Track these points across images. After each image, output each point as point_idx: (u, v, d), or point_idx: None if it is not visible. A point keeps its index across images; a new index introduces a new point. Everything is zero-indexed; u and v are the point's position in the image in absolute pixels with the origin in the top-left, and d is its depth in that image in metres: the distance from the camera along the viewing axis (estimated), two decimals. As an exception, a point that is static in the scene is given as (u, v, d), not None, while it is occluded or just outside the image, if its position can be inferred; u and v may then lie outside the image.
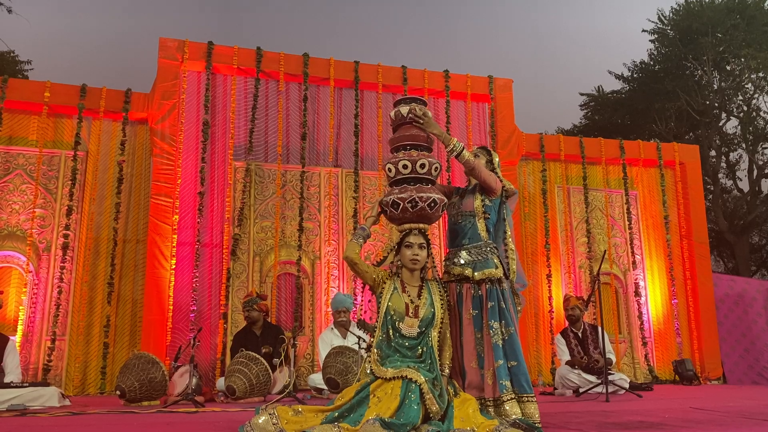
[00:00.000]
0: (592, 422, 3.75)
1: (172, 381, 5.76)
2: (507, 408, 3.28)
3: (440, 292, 3.49)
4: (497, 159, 3.91)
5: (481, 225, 3.64)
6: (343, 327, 6.70)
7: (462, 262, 3.61)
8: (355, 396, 3.13)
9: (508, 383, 3.34)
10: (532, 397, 3.37)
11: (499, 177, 3.78)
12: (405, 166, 3.54)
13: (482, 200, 3.69)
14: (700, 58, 16.08)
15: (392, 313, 3.35)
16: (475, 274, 3.54)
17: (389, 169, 3.60)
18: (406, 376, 3.06)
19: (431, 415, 3.04)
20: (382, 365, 3.22)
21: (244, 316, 6.78)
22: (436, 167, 3.62)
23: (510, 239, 3.72)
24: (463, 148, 3.65)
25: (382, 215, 3.69)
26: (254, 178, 7.86)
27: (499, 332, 3.44)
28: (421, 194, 3.48)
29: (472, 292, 3.55)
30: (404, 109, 3.66)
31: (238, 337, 6.73)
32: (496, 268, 3.55)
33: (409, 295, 3.41)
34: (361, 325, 5.80)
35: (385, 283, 3.46)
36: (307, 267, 7.81)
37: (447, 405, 3.12)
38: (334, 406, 3.15)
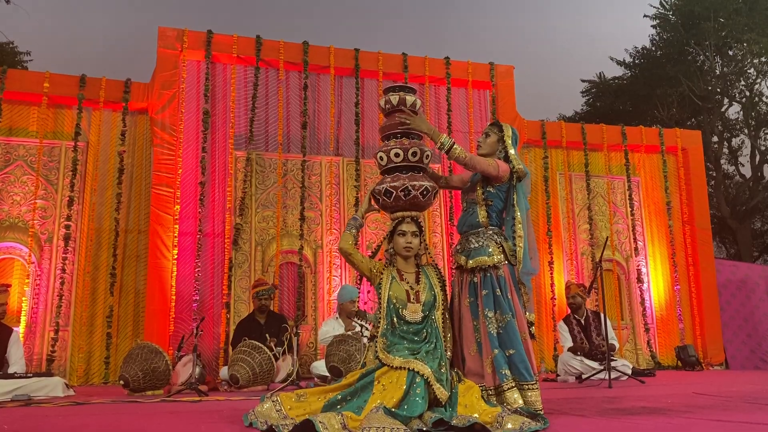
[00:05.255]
0: (595, 408, 3.76)
1: (176, 370, 5.78)
2: (508, 396, 3.26)
3: (437, 275, 3.53)
4: (510, 132, 3.71)
5: (482, 212, 3.58)
6: (349, 318, 6.71)
7: (458, 249, 3.63)
8: (359, 380, 3.13)
9: (507, 371, 3.31)
10: (533, 384, 3.33)
11: (509, 156, 3.63)
12: (397, 155, 3.53)
13: (484, 187, 3.60)
14: (703, 44, 15.97)
15: (394, 301, 3.36)
16: (469, 262, 3.52)
17: (381, 157, 3.59)
18: (413, 368, 3.06)
19: (440, 400, 3.04)
20: (389, 353, 3.22)
21: (257, 303, 6.72)
22: (428, 155, 3.61)
23: (519, 224, 3.56)
24: (453, 144, 3.50)
25: (375, 204, 3.68)
26: (255, 167, 7.84)
27: (494, 321, 3.40)
28: (414, 182, 3.49)
29: (469, 279, 3.53)
30: (394, 98, 3.63)
31: (242, 326, 6.73)
32: (490, 255, 3.47)
33: (407, 282, 3.43)
34: (361, 316, 5.82)
35: (382, 273, 3.47)
36: (309, 256, 7.81)
37: (451, 391, 3.13)
38: (338, 385, 3.17)
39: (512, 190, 3.61)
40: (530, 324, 3.53)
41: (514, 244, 3.54)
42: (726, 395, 4.44)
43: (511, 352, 3.35)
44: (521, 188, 3.64)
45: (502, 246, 3.53)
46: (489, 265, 3.46)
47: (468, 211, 3.67)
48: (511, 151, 3.65)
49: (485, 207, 3.59)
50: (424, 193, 3.51)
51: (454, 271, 3.69)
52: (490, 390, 3.33)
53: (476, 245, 3.54)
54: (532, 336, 3.52)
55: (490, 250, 3.49)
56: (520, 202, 3.61)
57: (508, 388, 3.28)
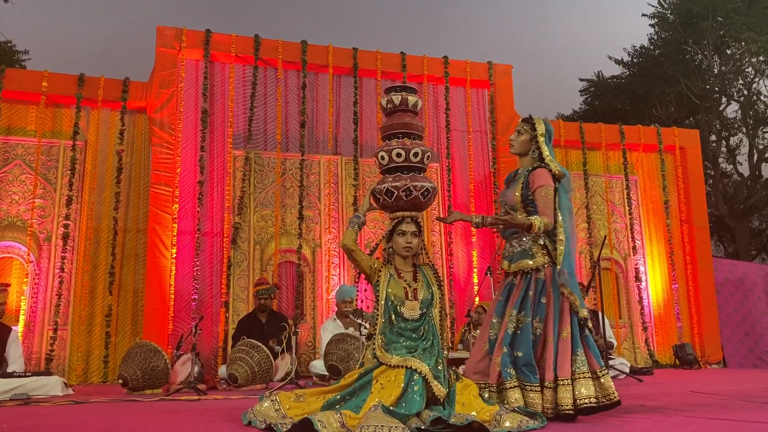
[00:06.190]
0: (593, 406, 3.76)
1: (175, 369, 5.79)
2: (510, 395, 3.23)
3: (434, 274, 3.55)
4: (543, 129, 3.61)
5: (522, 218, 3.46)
6: (346, 317, 6.71)
7: (504, 253, 3.58)
8: (358, 380, 3.15)
9: (512, 371, 3.28)
10: (536, 387, 3.26)
11: (543, 156, 3.53)
12: (399, 155, 3.54)
13: (522, 193, 3.50)
14: (701, 42, 15.98)
15: (392, 298, 3.37)
16: (511, 266, 3.49)
17: (382, 157, 3.60)
18: (411, 366, 3.08)
19: (439, 397, 3.06)
20: (387, 351, 3.23)
21: (257, 302, 6.77)
22: (428, 156, 3.63)
23: (560, 227, 3.42)
24: (533, 220, 3.35)
25: (375, 203, 3.69)
26: (254, 166, 7.84)
27: (515, 320, 3.35)
28: (416, 183, 3.50)
29: (508, 281, 3.50)
30: (397, 98, 3.65)
31: (243, 323, 6.75)
32: (533, 258, 3.41)
33: (405, 280, 3.44)
34: (358, 314, 5.82)
35: (380, 271, 3.48)
36: (307, 255, 7.81)
37: (449, 389, 3.15)
38: (336, 386, 3.18)
39: (554, 193, 3.49)
40: (584, 320, 3.39)
41: (555, 247, 3.44)
42: (724, 394, 4.45)
43: (519, 354, 3.29)
44: (562, 189, 3.53)
45: (546, 248, 3.44)
46: (531, 268, 3.41)
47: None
48: (546, 152, 3.56)
49: (525, 213, 3.50)
50: (425, 193, 3.53)
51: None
52: (492, 387, 3.31)
53: (519, 249, 3.48)
54: (590, 330, 3.42)
55: (533, 251, 3.43)
56: (561, 203, 3.49)
57: (510, 387, 3.25)
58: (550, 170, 3.50)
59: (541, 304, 3.36)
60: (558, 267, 3.40)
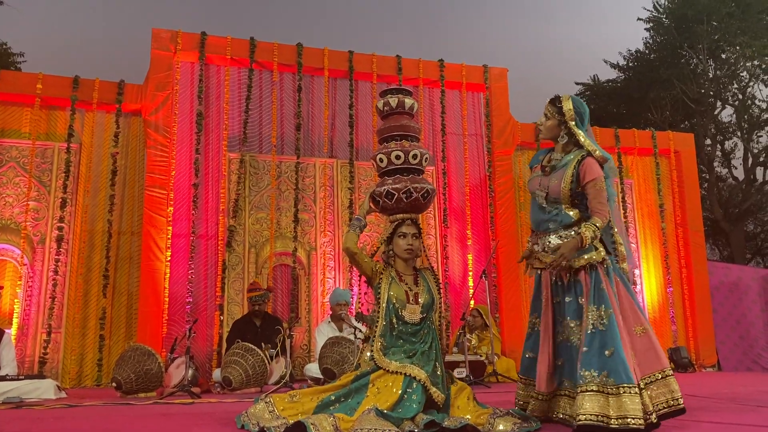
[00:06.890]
0: (588, 410, 3.75)
1: (169, 372, 5.77)
2: (586, 399, 2.89)
3: (434, 278, 3.55)
4: (573, 112, 3.28)
5: (572, 211, 3.22)
6: (340, 320, 6.70)
7: (544, 249, 3.22)
8: (354, 381, 3.14)
9: (591, 372, 2.93)
10: (632, 387, 2.86)
11: (579, 142, 3.25)
12: (398, 157, 3.55)
13: (572, 186, 3.20)
14: (696, 47, 16.04)
15: (394, 301, 3.36)
16: (573, 260, 3.12)
17: (381, 159, 3.60)
18: (409, 374, 3.07)
19: (437, 403, 3.06)
20: (385, 355, 3.21)
21: (252, 307, 6.74)
22: (427, 158, 3.64)
23: (611, 222, 3.24)
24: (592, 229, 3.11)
25: (374, 206, 3.69)
26: (249, 169, 7.83)
27: (594, 318, 3.03)
28: (416, 185, 3.51)
29: (570, 278, 3.19)
30: (393, 100, 3.66)
31: (237, 326, 6.73)
32: (597, 250, 3.11)
33: (406, 284, 3.43)
34: (360, 317, 5.81)
35: (382, 273, 3.47)
36: (303, 258, 7.80)
37: (445, 392, 3.15)
38: (331, 386, 3.19)
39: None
40: None
41: (614, 241, 3.28)
42: (718, 397, 4.46)
43: (609, 351, 2.94)
44: (606, 176, 3.24)
45: (601, 239, 3.20)
46: (597, 261, 3.12)
47: (551, 211, 3.26)
48: (581, 137, 3.26)
49: (570, 206, 3.24)
50: (425, 195, 3.54)
51: (542, 270, 3.33)
52: (570, 391, 3.10)
53: None
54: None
55: (595, 243, 3.13)
56: (608, 191, 3.23)
57: (588, 391, 2.91)
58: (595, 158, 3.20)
59: (631, 292, 3.20)
60: (623, 262, 3.28)
